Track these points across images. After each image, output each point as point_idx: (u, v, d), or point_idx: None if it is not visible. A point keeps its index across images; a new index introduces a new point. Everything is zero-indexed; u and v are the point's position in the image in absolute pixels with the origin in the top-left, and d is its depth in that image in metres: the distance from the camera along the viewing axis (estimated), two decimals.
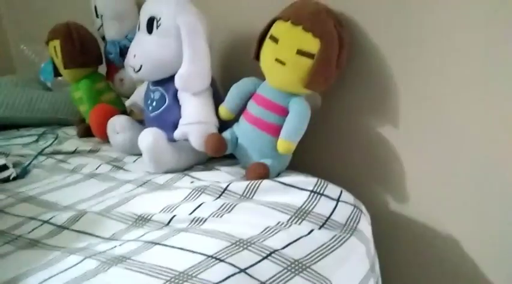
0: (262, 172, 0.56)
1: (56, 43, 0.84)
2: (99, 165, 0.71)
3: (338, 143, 0.66)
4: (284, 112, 0.58)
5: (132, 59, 0.66)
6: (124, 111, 0.88)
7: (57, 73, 0.91)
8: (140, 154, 0.72)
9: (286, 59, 0.55)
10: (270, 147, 0.58)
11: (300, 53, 0.54)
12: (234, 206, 0.50)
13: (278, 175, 0.59)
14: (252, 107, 0.60)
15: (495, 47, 0.47)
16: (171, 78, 0.65)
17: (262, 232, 0.44)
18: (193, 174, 0.62)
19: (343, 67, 0.57)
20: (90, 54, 0.87)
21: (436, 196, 0.57)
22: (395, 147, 0.59)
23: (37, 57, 1.30)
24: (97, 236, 0.49)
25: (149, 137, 0.63)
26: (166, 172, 0.65)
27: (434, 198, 0.57)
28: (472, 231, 0.55)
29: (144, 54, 0.65)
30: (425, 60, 0.53)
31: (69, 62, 0.84)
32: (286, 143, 0.56)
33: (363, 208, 0.52)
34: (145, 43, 0.65)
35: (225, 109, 0.63)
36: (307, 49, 0.54)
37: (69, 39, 0.84)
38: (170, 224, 0.49)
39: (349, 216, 0.49)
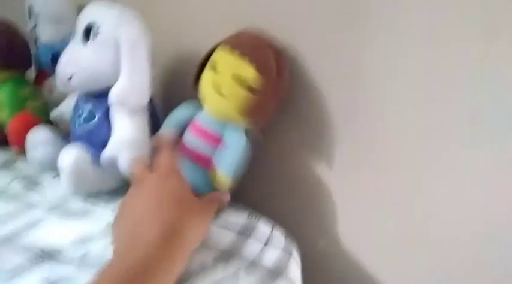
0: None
1: None
2: (11, 181, 0.63)
3: (271, 179, 0.64)
4: (219, 142, 0.55)
5: (63, 68, 0.60)
6: (49, 122, 0.80)
7: None
8: (56, 173, 0.66)
9: (223, 86, 0.52)
10: (204, 181, 0.54)
11: (236, 79, 0.52)
12: None
13: None
14: (187, 137, 0.57)
15: (433, 99, 0.48)
16: (105, 92, 0.59)
17: (183, 273, 0.40)
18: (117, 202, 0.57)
19: (281, 99, 0.55)
20: (18, 55, 0.79)
21: (366, 237, 0.57)
22: (329, 185, 0.59)
23: None
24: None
25: (70, 156, 0.57)
26: (85, 196, 0.59)
27: (364, 238, 0.57)
28: (399, 274, 0.55)
29: (77, 64, 0.59)
30: (366, 100, 0.53)
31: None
32: (223, 178, 0.53)
33: (294, 251, 0.50)
34: (79, 52, 0.59)
35: None
36: (244, 76, 0.51)
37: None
38: (81, 262, 0.43)
39: (278, 260, 0.47)
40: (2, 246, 0.45)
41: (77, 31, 0.61)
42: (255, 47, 0.52)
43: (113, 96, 0.57)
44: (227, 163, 0.53)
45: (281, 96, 0.55)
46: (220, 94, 0.52)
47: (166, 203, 0.40)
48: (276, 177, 0.64)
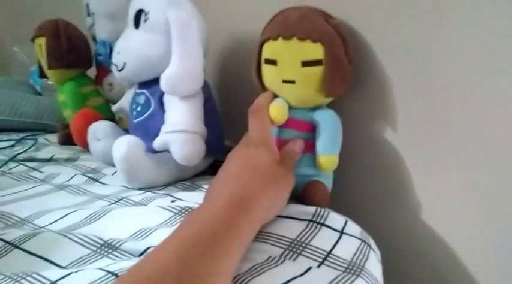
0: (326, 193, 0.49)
1: (42, 41, 0.78)
2: (73, 176, 0.63)
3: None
4: (312, 127, 0.50)
5: (116, 56, 0.58)
6: (111, 119, 0.81)
7: (42, 75, 0.84)
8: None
9: (294, 76, 0.47)
10: (311, 165, 0.50)
11: (306, 64, 0.46)
12: None
13: None
14: (280, 133, 0.51)
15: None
16: (158, 80, 0.57)
17: (249, 269, 0.36)
18: (176, 193, 0.54)
19: (355, 62, 0.49)
20: (78, 54, 0.80)
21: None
22: (400, 160, 0.51)
23: (29, 60, 1.24)
24: (52, 263, 0.40)
25: (123, 145, 0.54)
26: (143, 187, 0.57)
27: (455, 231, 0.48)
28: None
29: (129, 51, 0.57)
30: (438, 70, 0.45)
31: (53, 62, 0.77)
32: (329, 158, 0.48)
33: (372, 242, 0.44)
34: (131, 39, 0.57)
35: None
36: (312, 57, 0.46)
37: (55, 36, 0.77)
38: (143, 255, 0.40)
39: (355, 252, 0.40)
40: (65, 238, 0.43)
41: (128, 20, 0.59)
42: (309, 24, 0.47)
43: (163, 81, 0.54)
44: (328, 144, 0.48)
45: (353, 58, 0.49)
46: (295, 84, 0.48)
47: (246, 175, 0.40)
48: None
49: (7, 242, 0.43)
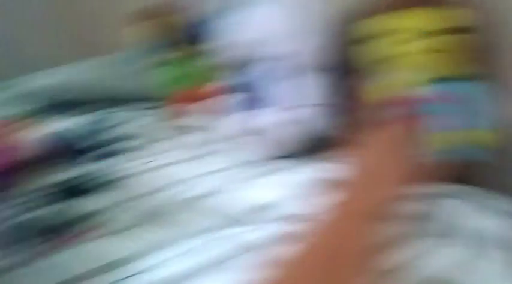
0: None
1: (152, 23, 0.84)
2: (205, 144, 0.70)
3: None
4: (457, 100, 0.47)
5: (245, 33, 0.64)
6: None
7: (151, 54, 0.92)
8: (247, 136, 0.70)
9: (420, 51, 0.47)
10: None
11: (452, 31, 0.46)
12: None
13: None
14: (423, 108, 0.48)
15: None
16: (288, 55, 0.62)
17: None
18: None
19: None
20: (187, 33, 0.86)
21: None
22: None
23: (125, 40, 1.34)
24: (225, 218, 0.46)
25: (267, 118, 0.61)
26: (281, 157, 0.62)
27: None
28: None
29: (263, 27, 0.62)
30: None
31: (168, 42, 0.84)
32: (484, 132, 0.46)
33: None
34: (264, 15, 0.62)
35: None
36: (437, 24, 0.46)
37: (167, 18, 0.84)
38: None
39: None
40: (191, 208, 0.49)
41: None
42: None
43: (300, 56, 0.59)
44: (481, 118, 0.47)
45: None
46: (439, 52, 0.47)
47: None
48: None
49: (184, 200, 0.50)
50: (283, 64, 0.64)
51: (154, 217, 0.47)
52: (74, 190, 0.53)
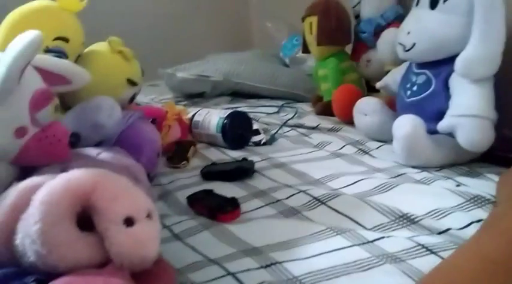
0: None
1: (313, 19, 0.86)
2: (344, 146, 0.69)
3: None
4: None
5: (405, 36, 0.60)
6: (365, 94, 0.85)
7: (305, 50, 0.94)
8: (384, 141, 0.68)
9: None
10: None
11: None
12: None
13: None
14: None
15: None
16: (445, 61, 0.57)
17: None
18: (458, 178, 0.54)
19: None
20: (345, 32, 0.86)
21: None
22: None
23: (278, 34, 1.39)
24: (357, 223, 0.45)
25: (408, 124, 0.57)
26: (418, 166, 0.58)
27: None
28: None
29: (422, 32, 0.58)
30: None
31: (324, 39, 0.85)
32: None
33: None
34: (425, 19, 0.58)
35: None
36: None
37: (327, 15, 0.84)
38: (442, 234, 0.42)
39: None
40: (364, 203, 0.47)
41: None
42: None
43: (459, 63, 0.54)
44: None
45: None
46: None
47: None
48: None
49: (314, 198, 0.50)
50: (437, 70, 0.60)
51: (294, 210, 0.48)
52: (222, 174, 0.58)
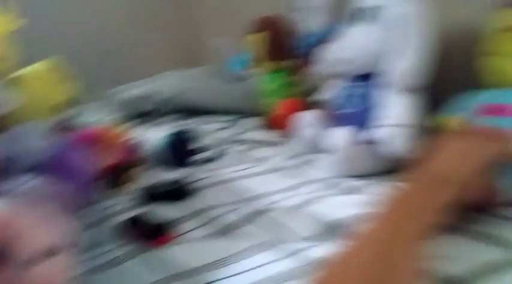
0: None
1: (262, 35, 0.87)
2: (286, 158, 0.70)
3: None
4: None
5: (341, 51, 0.63)
6: (310, 106, 0.86)
7: (252, 65, 0.95)
8: (324, 153, 0.70)
9: None
10: None
11: None
12: None
13: None
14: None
15: None
16: (376, 73, 0.60)
17: None
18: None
19: None
20: (292, 47, 0.88)
21: None
22: None
23: (226, 50, 1.40)
24: (290, 235, 0.46)
25: (343, 136, 0.59)
26: (354, 175, 0.60)
27: None
28: None
29: (357, 47, 0.61)
30: None
31: (274, 54, 0.86)
32: None
33: None
34: (360, 35, 0.61)
35: None
36: None
37: (276, 31, 0.86)
38: None
39: None
40: (294, 215, 0.49)
41: (355, 15, 0.62)
42: None
43: (397, 74, 0.57)
44: None
45: None
46: None
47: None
48: None
49: (249, 214, 0.50)
50: (370, 83, 0.62)
51: (228, 228, 0.48)
52: (161, 195, 0.57)
